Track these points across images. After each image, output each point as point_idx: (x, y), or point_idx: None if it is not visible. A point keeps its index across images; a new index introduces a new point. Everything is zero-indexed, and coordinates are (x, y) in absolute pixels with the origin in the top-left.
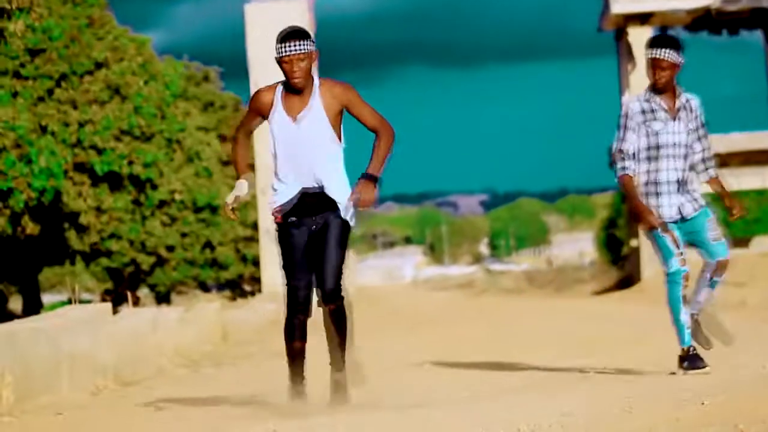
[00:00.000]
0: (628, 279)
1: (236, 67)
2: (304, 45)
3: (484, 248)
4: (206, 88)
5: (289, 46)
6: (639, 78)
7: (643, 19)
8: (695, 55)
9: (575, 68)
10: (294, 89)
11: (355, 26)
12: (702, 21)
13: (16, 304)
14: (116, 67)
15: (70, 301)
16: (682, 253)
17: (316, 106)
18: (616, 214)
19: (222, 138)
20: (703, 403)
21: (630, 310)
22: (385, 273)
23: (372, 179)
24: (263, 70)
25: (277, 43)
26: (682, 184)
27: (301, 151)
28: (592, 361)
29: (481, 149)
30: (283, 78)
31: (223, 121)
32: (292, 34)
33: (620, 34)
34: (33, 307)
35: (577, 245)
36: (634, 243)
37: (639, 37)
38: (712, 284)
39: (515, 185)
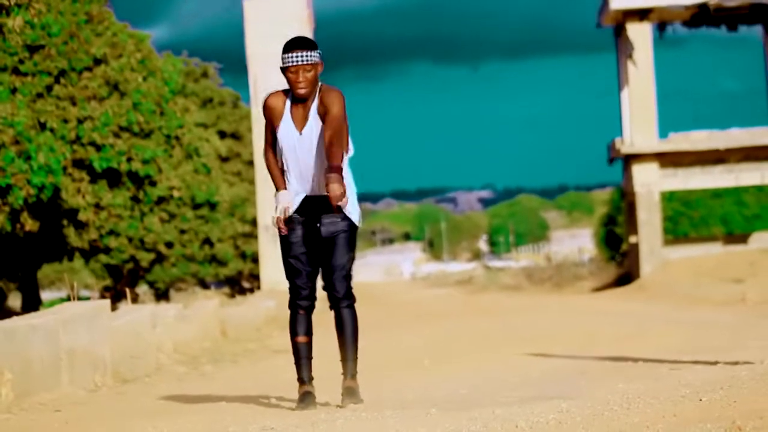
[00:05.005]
0: (627, 275)
1: (235, 63)
2: (310, 56)
3: (483, 245)
4: (205, 84)
5: (295, 56)
6: (638, 74)
7: (641, 14)
8: (694, 51)
9: (575, 64)
10: (298, 99)
11: (356, 21)
12: (701, 16)
13: (15, 300)
14: (115, 63)
15: (69, 298)
16: None
17: (314, 117)
18: (616, 210)
19: (221, 134)
20: (701, 400)
21: (629, 306)
22: (384, 269)
23: (336, 170)
24: (262, 66)
25: (283, 52)
26: None
27: (306, 161)
28: (590, 357)
29: (480, 145)
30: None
31: (222, 117)
32: (298, 44)
33: (619, 30)
34: (32, 303)
35: (576, 242)
36: (633, 239)
37: (637, 32)
38: None
39: (515, 182)
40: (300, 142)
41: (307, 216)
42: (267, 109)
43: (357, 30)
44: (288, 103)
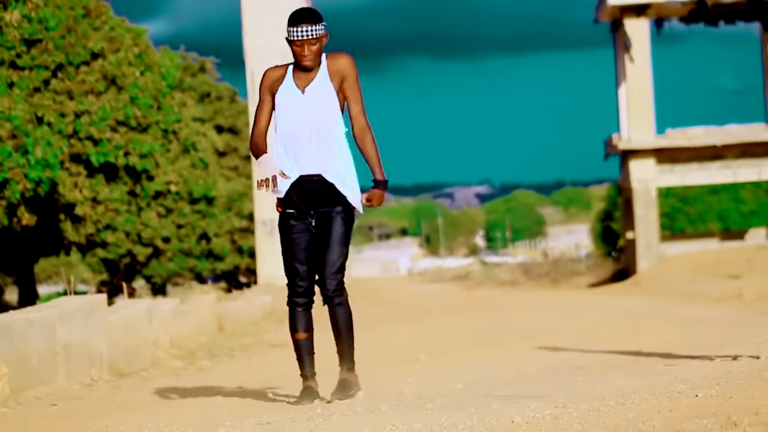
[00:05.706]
0: (623, 271)
1: (232, 58)
2: (315, 29)
3: (480, 240)
4: (202, 78)
5: (302, 31)
6: (635, 69)
7: (638, 10)
8: (691, 47)
9: (572, 60)
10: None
11: (354, 16)
12: (698, 12)
13: (11, 295)
14: (112, 57)
15: (65, 293)
16: None
17: (324, 77)
18: (612, 206)
19: (218, 129)
20: (697, 395)
21: (625, 302)
22: (381, 265)
23: (384, 186)
24: (259, 61)
25: (289, 24)
26: None
27: (306, 125)
28: (587, 353)
29: (477, 141)
30: (291, 60)
31: (219, 112)
32: (304, 17)
33: (616, 26)
34: (29, 298)
35: (573, 237)
36: (629, 235)
37: (635, 28)
38: None
39: (512, 177)
40: (302, 102)
41: (303, 207)
42: (266, 78)
43: (355, 25)
44: (291, 70)
